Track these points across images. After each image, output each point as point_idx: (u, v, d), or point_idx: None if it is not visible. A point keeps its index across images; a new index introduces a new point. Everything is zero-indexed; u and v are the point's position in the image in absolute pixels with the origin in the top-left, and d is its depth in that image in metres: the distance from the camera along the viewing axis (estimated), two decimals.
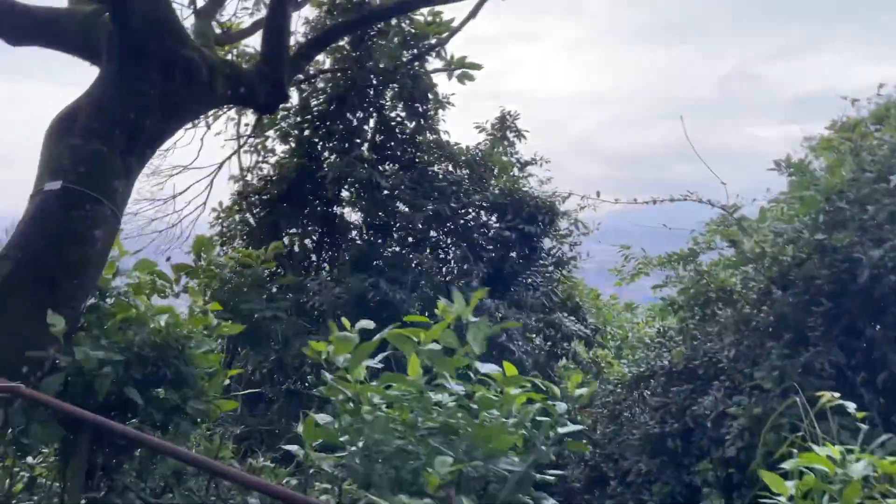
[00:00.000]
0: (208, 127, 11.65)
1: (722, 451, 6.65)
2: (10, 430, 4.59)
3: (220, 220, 11.08)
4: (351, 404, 4.55)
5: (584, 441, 7.16)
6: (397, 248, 11.08)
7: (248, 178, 11.30)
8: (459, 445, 3.94)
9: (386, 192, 10.43)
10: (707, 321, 8.15)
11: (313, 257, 11.69)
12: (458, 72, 11.33)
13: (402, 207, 10.59)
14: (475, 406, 4.11)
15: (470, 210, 10.52)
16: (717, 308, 8.09)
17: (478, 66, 11.36)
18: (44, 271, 4.93)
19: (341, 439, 4.32)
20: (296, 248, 11.10)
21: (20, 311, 4.76)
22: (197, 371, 5.38)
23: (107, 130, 5.58)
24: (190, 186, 11.42)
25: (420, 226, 10.03)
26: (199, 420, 5.64)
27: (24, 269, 4.88)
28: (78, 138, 5.46)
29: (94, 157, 5.44)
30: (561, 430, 4.22)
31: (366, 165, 10.90)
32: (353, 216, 12.03)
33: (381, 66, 11.21)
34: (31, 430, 4.60)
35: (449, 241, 10.58)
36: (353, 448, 4.20)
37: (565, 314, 10.29)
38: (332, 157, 11.55)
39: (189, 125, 11.83)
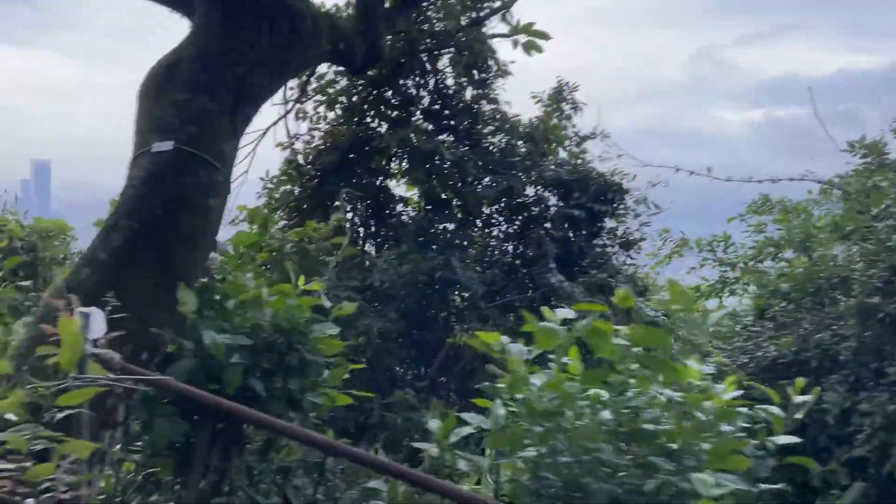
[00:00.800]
0: None
1: (849, 450, 6.28)
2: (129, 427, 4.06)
3: (268, 190, 10.45)
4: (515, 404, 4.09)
5: None
6: (452, 226, 10.55)
7: (296, 145, 10.66)
8: (678, 456, 3.47)
9: (447, 165, 9.87)
10: (818, 310, 7.74)
11: (360, 231, 11.13)
12: (523, 40, 10.70)
13: (464, 182, 10.04)
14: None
15: (538, 186, 9.99)
16: (833, 296, 7.68)
17: (546, 35, 10.74)
18: (159, 243, 4.38)
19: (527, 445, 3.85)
20: (347, 223, 10.52)
21: (136, 288, 4.20)
22: (319, 359, 4.86)
23: (214, 85, 5.00)
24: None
25: (488, 202, 9.50)
26: (310, 415, 5.13)
27: (139, 240, 4.33)
28: (183, 93, 4.86)
29: (202, 116, 4.86)
30: (777, 440, 3.78)
31: (424, 136, 10.32)
32: (398, 189, 11.49)
33: (440, 28, 10.57)
34: (156, 426, 4.07)
35: (517, 218, 10.07)
36: (545, 456, 3.73)
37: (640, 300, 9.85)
38: (384, 125, 10.95)
39: None
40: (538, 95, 12.00)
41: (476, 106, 10.92)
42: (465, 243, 10.17)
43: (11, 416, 2.92)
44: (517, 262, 9.78)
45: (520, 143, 10.43)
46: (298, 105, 10.87)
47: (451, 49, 10.97)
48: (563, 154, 11.11)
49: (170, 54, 5.11)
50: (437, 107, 11.01)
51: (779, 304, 9.94)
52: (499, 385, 4.08)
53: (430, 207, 10.63)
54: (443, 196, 10.38)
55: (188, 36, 5.25)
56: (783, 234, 16.40)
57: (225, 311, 4.56)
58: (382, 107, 10.88)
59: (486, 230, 10.83)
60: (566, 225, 9.96)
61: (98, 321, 3.26)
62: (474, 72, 10.95)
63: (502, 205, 10.32)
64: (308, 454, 5.37)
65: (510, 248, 9.75)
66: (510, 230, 10.63)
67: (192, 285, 4.52)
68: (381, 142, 10.31)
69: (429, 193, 10.24)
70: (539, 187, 10.01)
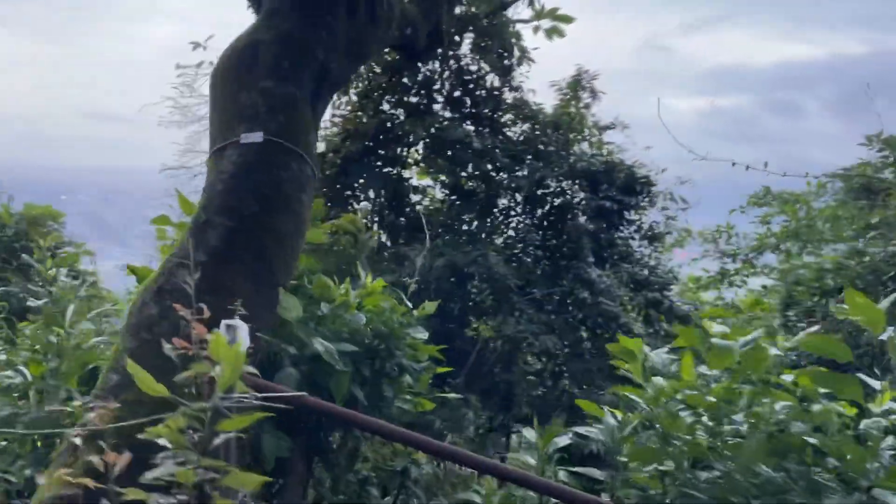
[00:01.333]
0: None
1: None
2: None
3: None
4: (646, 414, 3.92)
5: None
6: (474, 217, 10.30)
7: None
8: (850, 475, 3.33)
9: (473, 154, 9.60)
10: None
11: (376, 223, 10.81)
12: (547, 25, 10.47)
13: (491, 172, 9.79)
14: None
15: (568, 177, 9.78)
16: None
17: (569, 19, 10.52)
18: (256, 243, 4.08)
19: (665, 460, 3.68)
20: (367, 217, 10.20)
21: (234, 291, 3.88)
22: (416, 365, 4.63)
23: (297, 72, 4.70)
24: None
25: (522, 193, 9.28)
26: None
27: (235, 240, 4.01)
28: (268, 79, 4.54)
29: (288, 104, 4.56)
30: None
31: (443, 123, 10.03)
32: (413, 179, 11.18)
33: (460, 11, 10.25)
34: (264, 443, 3.79)
35: (546, 210, 9.85)
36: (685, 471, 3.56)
37: (667, 293, 9.77)
38: (400, 111, 10.62)
39: None
40: (557, 83, 11.80)
41: (498, 93, 10.68)
42: (492, 236, 9.95)
43: (166, 443, 2.63)
44: (545, 254, 9.58)
45: (548, 131, 10.20)
46: None
47: (472, 34, 10.70)
48: (583, 144, 10.95)
49: (245, 37, 4.77)
50: (457, 93, 10.73)
51: (809, 298, 9.99)
52: (629, 395, 3.90)
53: (454, 198, 10.38)
54: (467, 186, 10.13)
55: (261, 19, 4.92)
56: (785, 227, 16.64)
57: (320, 315, 4.30)
58: (401, 93, 10.57)
59: (507, 221, 10.62)
60: (597, 217, 9.80)
61: (244, 334, 2.98)
62: (496, 58, 10.68)
63: (527, 196, 10.10)
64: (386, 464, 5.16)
65: (538, 240, 9.54)
66: (536, 222, 10.41)
67: (286, 288, 4.24)
68: (402, 129, 9.99)
69: (453, 183, 9.96)
70: (569, 178, 9.80)
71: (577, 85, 11.73)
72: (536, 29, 10.67)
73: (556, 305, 9.40)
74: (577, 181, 9.84)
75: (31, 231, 11.89)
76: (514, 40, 10.56)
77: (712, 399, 3.52)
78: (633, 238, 10.31)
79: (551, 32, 10.59)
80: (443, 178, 10.66)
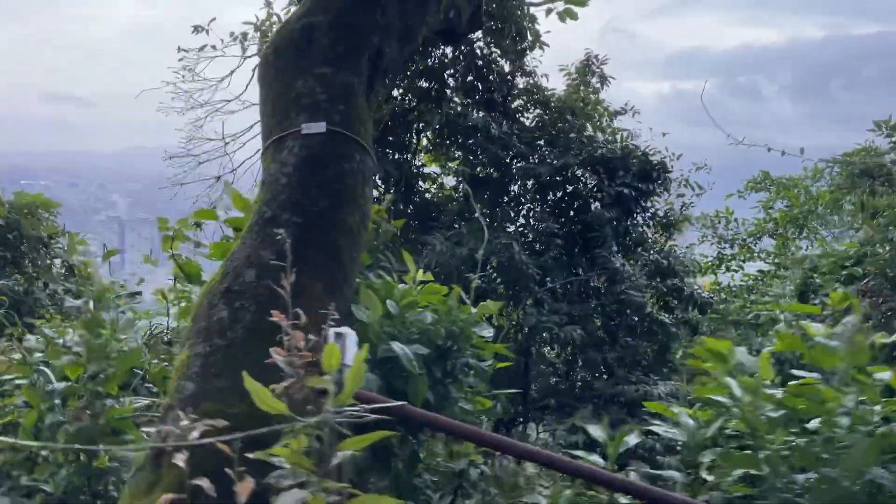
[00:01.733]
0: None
1: None
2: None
3: None
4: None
5: None
6: (483, 206, 10.14)
7: None
8: None
9: (488, 141, 9.42)
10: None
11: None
12: (560, 7, 10.27)
13: (509, 159, 9.62)
14: None
15: (587, 165, 9.65)
16: None
17: (584, 2, 10.33)
18: (326, 240, 3.87)
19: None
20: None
21: (307, 292, 3.68)
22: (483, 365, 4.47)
23: (354, 57, 4.47)
24: (251, 127, 10.00)
25: (541, 180, 9.13)
26: None
27: (305, 237, 3.79)
28: (325, 65, 4.32)
29: (348, 92, 4.34)
30: None
31: (457, 108, 9.83)
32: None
33: None
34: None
35: (557, 197, 9.72)
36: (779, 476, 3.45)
37: (690, 281, 9.71)
38: (410, 97, 10.40)
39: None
40: (566, 67, 11.63)
41: (511, 78, 10.49)
42: (504, 223, 9.80)
43: (285, 465, 2.44)
44: (561, 242, 9.44)
45: (568, 117, 10.04)
46: None
47: (484, 17, 10.46)
48: (590, 129, 10.81)
49: (296, 21, 4.54)
50: (470, 78, 10.51)
51: (830, 286, 9.96)
52: (712, 395, 3.78)
53: (463, 185, 10.20)
54: (482, 174, 9.96)
55: (311, 0, 4.67)
56: (784, 212, 16.71)
57: (389, 315, 4.11)
58: (411, 78, 10.33)
59: (519, 209, 10.48)
60: (614, 205, 9.69)
61: (352, 343, 2.79)
62: (509, 42, 10.48)
63: (541, 183, 9.95)
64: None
65: (556, 228, 9.39)
66: (548, 209, 10.27)
67: (356, 287, 4.06)
68: (415, 116, 9.78)
69: (468, 172, 9.77)
70: (587, 165, 9.66)
71: (587, 70, 11.58)
72: (549, 11, 10.50)
73: (574, 295, 9.31)
74: (594, 168, 9.71)
75: (24, 222, 11.48)
76: (528, 24, 10.38)
77: (818, 400, 3.41)
78: (648, 225, 10.24)
79: (564, 15, 10.42)
80: (453, 164, 10.49)
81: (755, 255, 17.02)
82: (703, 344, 3.77)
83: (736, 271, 17.27)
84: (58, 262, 12.02)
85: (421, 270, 4.94)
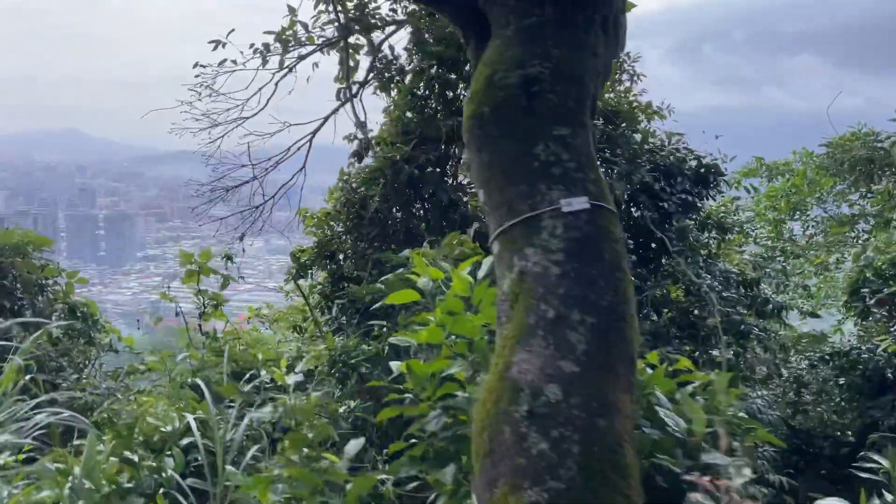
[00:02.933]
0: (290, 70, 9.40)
1: None
2: None
3: (343, 193, 9.05)
4: None
5: None
6: None
7: (361, 134, 9.28)
8: None
9: None
10: None
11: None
12: None
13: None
14: None
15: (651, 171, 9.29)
16: None
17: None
18: (624, 342, 3.38)
19: None
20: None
21: (624, 410, 3.21)
22: None
23: (582, 111, 3.95)
24: (293, 150, 9.19)
25: (622, 198, 8.73)
26: None
27: (605, 339, 3.30)
28: (559, 124, 3.78)
29: (589, 154, 3.82)
30: None
31: None
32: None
33: None
34: None
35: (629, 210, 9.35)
36: None
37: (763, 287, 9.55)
38: (443, 109, 9.79)
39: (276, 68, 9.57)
40: None
41: None
42: None
43: None
44: (633, 258, 9.11)
45: (623, 124, 9.66)
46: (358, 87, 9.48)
47: None
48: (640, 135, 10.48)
49: (506, 70, 3.94)
50: None
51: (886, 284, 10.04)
52: None
53: None
54: None
55: (501, 46, 4.10)
56: (788, 200, 16.91)
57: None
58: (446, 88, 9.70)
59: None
60: (676, 212, 9.41)
61: None
62: None
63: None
64: None
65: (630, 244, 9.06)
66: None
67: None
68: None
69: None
70: (653, 174, 9.32)
71: (619, 67, 11.25)
72: None
73: (644, 310, 9.00)
74: (654, 173, 9.38)
75: (19, 265, 10.34)
76: None
77: None
78: (706, 230, 10.03)
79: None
80: None
81: (752, 240, 17.23)
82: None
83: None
84: (58, 305, 10.95)
85: None
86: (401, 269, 7.75)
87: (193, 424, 5.33)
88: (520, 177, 3.70)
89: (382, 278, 7.45)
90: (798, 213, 17.13)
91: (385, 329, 7.78)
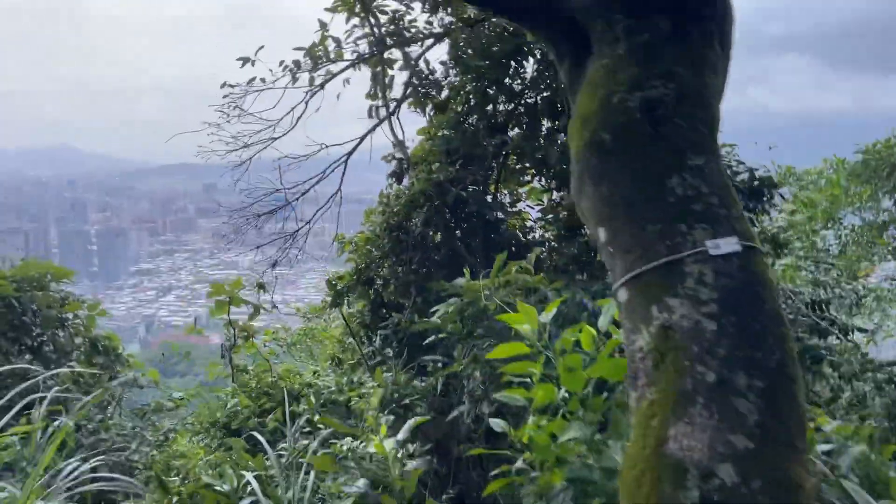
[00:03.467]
0: (322, 87, 8.98)
1: None
2: None
3: (385, 217, 8.61)
4: None
5: None
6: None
7: (400, 154, 8.84)
8: None
9: None
10: None
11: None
12: None
13: None
14: None
15: None
16: None
17: None
18: (796, 409, 2.92)
19: None
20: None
21: (805, 490, 2.76)
22: None
23: (714, 136, 3.52)
24: (324, 174, 8.76)
25: None
26: None
27: (776, 406, 2.85)
28: (693, 153, 3.35)
29: (727, 185, 3.38)
30: None
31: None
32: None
33: None
34: None
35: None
36: None
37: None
38: (485, 126, 9.36)
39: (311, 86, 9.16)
40: None
41: None
42: None
43: None
44: None
45: None
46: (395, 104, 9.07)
47: None
48: None
49: (623, 92, 3.50)
50: (545, 95, 9.51)
51: None
52: None
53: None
54: None
55: (612, 65, 3.66)
56: (817, 208, 16.48)
57: None
58: (487, 103, 9.28)
59: None
60: None
61: None
62: None
63: None
64: None
65: None
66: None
67: None
68: (510, 147, 8.76)
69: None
70: None
71: None
72: None
73: None
74: None
75: (39, 299, 9.90)
76: None
77: None
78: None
79: None
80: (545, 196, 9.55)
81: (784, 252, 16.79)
82: None
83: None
84: (77, 339, 10.50)
85: None
86: (453, 299, 7.30)
87: (255, 485, 4.89)
88: (654, 214, 3.26)
89: (438, 313, 7.01)
90: (831, 221, 16.72)
91: (440, 365, 7.33)
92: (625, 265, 3.31)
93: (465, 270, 8.90)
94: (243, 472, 5.11)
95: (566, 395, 3.77)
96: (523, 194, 10.22)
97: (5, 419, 5.08)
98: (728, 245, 3.12)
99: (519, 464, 3.73)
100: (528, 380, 3.88)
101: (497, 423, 3.83)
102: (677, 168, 3.30)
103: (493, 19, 8.71)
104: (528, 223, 10.15)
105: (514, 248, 9.54)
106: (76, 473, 4.54)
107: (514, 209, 9.67)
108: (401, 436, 3.82)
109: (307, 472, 5.07)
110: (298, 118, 9.04)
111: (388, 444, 3.89)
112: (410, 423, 4.07)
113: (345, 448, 4.42)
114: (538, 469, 3.62)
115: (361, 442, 4.65)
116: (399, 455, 3.74)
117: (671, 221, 3.21)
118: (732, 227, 3.18)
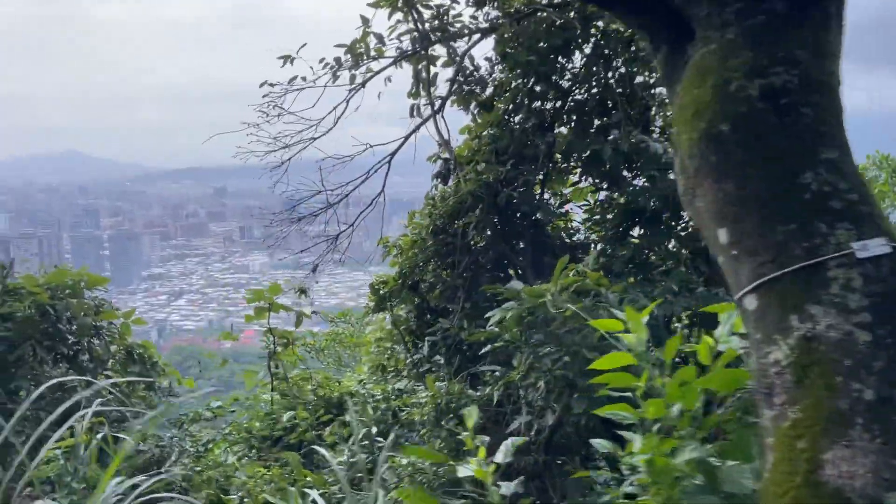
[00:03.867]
0: (363, 86, 8.75)
1: None
2: None
3: (431, 220, 8.36)
4: None
5: None
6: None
7: (446, 154, 8.58)
8: None
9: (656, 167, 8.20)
10: None
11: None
12: None
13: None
14: None
15: None
16: None
17: None
18: None
19: None
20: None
21: None
22: None
23: (843, 127, 3.23)
24: (368, 175, 8.52)
25: None
26: None
27: None
28: (823, 147, 3.06)
29: (863, 181, 3.09)
30: None
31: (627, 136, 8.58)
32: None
33: None
34: None
35: None
36: None
37: None
38: (532, 123, 9.08)
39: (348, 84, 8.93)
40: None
41: (644, 91, 9.27)
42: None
43: None
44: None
45: None
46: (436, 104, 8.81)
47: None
48: None
49: (740, 79, 3.22)
50: (594, 91, 9.23)
51: None
52: None
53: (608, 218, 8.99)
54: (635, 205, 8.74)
55: (722, 50, 3.37)
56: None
57: None
58: (534, 100, 9.01)
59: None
60: None
61: None
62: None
63: None
64: None
65: None
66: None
67: None
68: (557, 146, 8.48)
69: (634, 206, 8.51)
70: None
71: None
72: None
73: None
74: None
75: (74, 307, 9.73)
76: None
77: None
78: None
79: None
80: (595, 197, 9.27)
81: None
82: None
83: None
84: (113, 347, 10.34)
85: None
86: (509, 304, 7.02)
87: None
88: (787, 213, 2.97)
89: (493, 318, 6.73)
90: None
91: (496, 374, 7.05)
92: (753, 269, 3.02)
93: (512, 273, 8.57)
94: (306, 490, 4.87)
95: (677, 410, 3.49)
96: (567, 194, 9.95)
97: (57, 434, 4.85)
98: (877, 247, 2.83)
99: (627, 487, 3.45)
100: (608, 392, 3.61)
101: (600, 444, 3.55)
102: (810, 162, 3.01)
103: (540, 13, 8.47)
104: (573, 224, 9.89)
105: (556, 251, 9.26)
106: (137, 491, 4.31)
107: (561, 210, 9.39)
108: (500, 458, 3.55)
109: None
110: (339, 117, 8.82)
111: (504, 488, 3.57)
112: (508, 443, 3.79)
113: (421, 468, 4.13)
114: (647, 492, 3.34)
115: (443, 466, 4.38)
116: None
117: (807, 221, 2.92)
118: (879, 226, 2.89)
